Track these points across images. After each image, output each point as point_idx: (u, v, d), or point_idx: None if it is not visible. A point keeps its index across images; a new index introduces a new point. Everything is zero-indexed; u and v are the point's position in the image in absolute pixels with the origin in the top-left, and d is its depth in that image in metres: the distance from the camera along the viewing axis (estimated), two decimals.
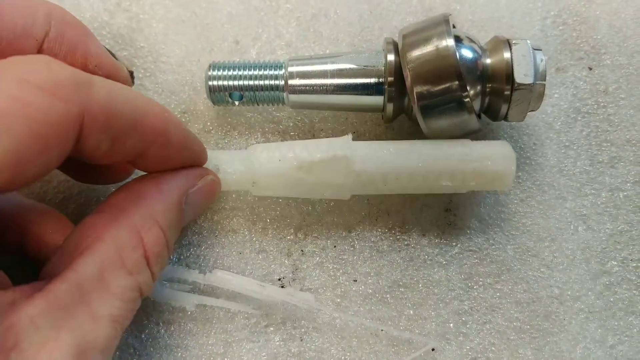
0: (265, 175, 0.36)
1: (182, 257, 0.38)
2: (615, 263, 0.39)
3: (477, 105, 0.37)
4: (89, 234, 0.29)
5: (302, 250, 0.38)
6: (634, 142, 0.42)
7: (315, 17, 0.44)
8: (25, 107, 0.23)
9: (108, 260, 0.28)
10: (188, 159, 0.33)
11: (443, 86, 0.36)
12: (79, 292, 0.26)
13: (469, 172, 0.36)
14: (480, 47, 0.38)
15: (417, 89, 0.36)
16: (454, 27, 0.37)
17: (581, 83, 0.44)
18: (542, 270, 0.39)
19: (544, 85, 0.37)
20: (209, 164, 0.35)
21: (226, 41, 0.43)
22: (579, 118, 0.43)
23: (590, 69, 0.44)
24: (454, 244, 0.39)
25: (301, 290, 0.37)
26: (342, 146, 0.36)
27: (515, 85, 0.36)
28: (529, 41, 0.37)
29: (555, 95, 0.43)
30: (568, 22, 0.46)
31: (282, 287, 0.37)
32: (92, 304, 0.26)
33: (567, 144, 0.42)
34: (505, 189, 0.37)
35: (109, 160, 0.29)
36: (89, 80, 0.26)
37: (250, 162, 0.36)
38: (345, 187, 0.36)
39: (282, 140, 0.41)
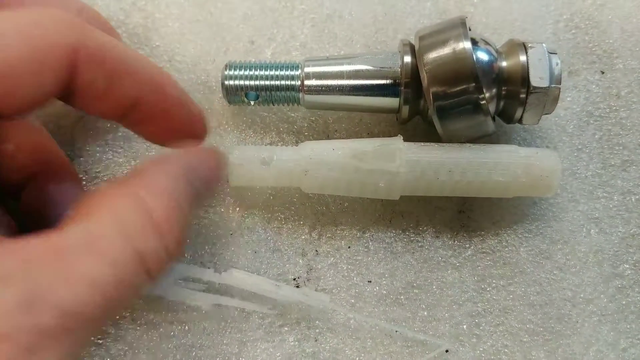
0: (318, 163, 0.36)
1: (196, 256, 0.38)
2: (628, 266, 0.39)
3: (492, 107, 0.37)
4: (84, 202, 0.27)
5: (316, 250, 0.38)
6: None
7: (330, 18, 0.44)
8: (20, 27, 0.26)
9: (101, 223, 0.25)
10: (185, 118, 0.32)
11: (459, 88, 0.36)
12: (56, 252, 0.24)
13: (519, 166, 0.36)
14: (496, 50, 0.38)
15: (434, 90, 0.36)
16: (469, 29, 0.37)
17: (593, 87, 0.44)
18: (554, 272, 0.39)
19: (559, 88, 0.37)
20: (260, 155, 0.36)
21: (241, 41, 0.43)
22: (592, 121, 0.43)
23: (603, 72, 0.44)
24: (467, 245, 0.39)
25: (316, 290, 0.37)
26: (395, 140, 0.37)
27: (531, 88, 0.37)
28: (544, 44, 0.37)
29: (568, 99, 0.44)
30: (580, 26, 0.46)
31: (297, 287, 0.37)
32: (72, 266, 0.24)
33: (579, 147, 0.42)
34: (552, 190, 0.37)
35: (106, 106, 0.30)
36: (83, 22, 0.28)
37: (304, 151, 0.36)
38: (398, 178, 0.36)
39: (297, 140, 0.41)
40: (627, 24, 0.46)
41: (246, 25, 0.43)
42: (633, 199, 0.41)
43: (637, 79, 0.44)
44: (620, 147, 0.42)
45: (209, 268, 0.37)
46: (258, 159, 0.36)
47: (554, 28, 0.46)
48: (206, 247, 0.38)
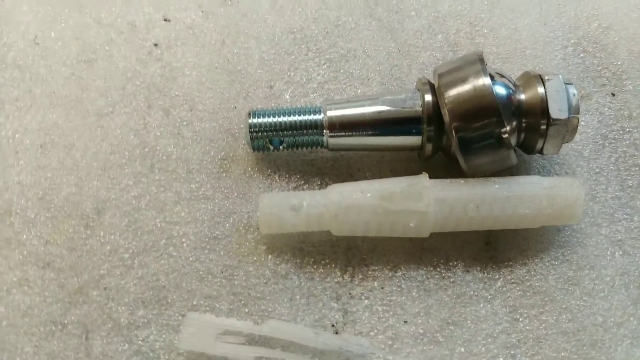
0: (347, 207, 0.36)
1: (233, 307, 0.37)
2: None
3: (513, 140, 0.38)
4: None
5: (350, 293, 0.38)
6: None
7: (345, 57, 0.45)
8: None
9: None
10: None
11: (481, 123, 0.36)
12: None
13: (544, 197, 0.37)
14: (513, 83, 0.39)
15: (456, 126, 0.36)
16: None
17: (605, 109, 0.45)
18: (584, 298, 0.39)
19: (578, 118, 0.38)
20: (289, 202, 0.36)
21: (260, 86, 0.43)
22: (606, 144, 0.44)
23: (614, 95, 0.45)
24: (497, 277, 0.40)
25: (353, 334, 0.37)
26: (421, 179, 0.37)
27: (551, 120, 0.37)
28: (560, 76, 0.38)
29: (582, 123, 0.44)
30: (588, 50, 0.47)
31: (336, 332, 0.37)
32: None
33: (597, 170, 0.43)
34: (576, 218, 0.38)
35: None
36: None
37: (333, 195, 0.37)
38: (428, 217, 0.36)
39: (321, 182, 0.41)
40: (633, 45, 0.47)
41: (264, 70, 0.44)
42: None
43: None
44: (637, 168, 0.43)
45: (246, 320, 0.36)
46: (288, 206, 0.37)
47: (563, 53, 0.46)
48: (241, 298, 0.38)
